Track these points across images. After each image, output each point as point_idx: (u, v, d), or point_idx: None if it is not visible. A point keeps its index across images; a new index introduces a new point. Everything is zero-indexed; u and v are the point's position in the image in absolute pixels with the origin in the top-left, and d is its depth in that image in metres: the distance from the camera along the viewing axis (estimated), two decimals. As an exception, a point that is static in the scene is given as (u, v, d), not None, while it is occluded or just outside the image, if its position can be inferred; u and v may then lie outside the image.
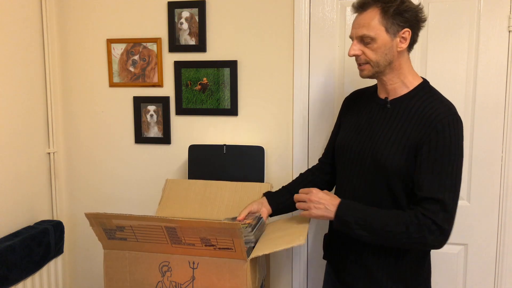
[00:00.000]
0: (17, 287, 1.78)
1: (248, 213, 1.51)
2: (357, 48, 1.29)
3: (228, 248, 1.31)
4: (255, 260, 1.35)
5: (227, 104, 2.02)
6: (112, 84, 2.12)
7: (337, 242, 1.46)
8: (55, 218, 2.18)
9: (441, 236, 1.21)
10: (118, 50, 2.09)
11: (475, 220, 1.86)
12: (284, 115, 1.98)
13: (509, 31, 1.75)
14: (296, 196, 1.40)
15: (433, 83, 1.82)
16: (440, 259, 1.90)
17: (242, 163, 1.94)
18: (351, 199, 1.35)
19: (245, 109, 2.02)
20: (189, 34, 2.01)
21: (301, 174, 1.67)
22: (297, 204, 1.38)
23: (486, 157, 1.82)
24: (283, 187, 1.62)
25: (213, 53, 2.02)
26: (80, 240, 2.25)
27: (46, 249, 1.93)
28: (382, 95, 1.38)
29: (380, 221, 1.24)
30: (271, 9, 1.94)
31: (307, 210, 1.33)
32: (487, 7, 1.76)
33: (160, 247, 1.34)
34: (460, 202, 1.86)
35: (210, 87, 2.02)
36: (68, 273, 2.28)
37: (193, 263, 1.30)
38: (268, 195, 1.58)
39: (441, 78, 1.82)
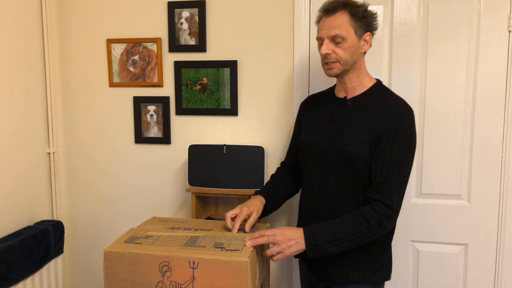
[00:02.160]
0: (17, 287, 1.79)
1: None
2: (329, 48, 1.39)
3: (236, 250, 1.32)
4: (255, 260, 1.35)
5: (227, 104, 2.02)
6: (112, 84, 2.13)
7: None
8: (55, 218, 2.18)
9: (393, 216, 1.33)
10: (118, 50, 2.09)
11: (475, 220, 1.86)
12: (284, 115, 1.99)
13: (509, 31, 1.75)
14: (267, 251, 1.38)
15: (433, 83, 1.83)
16: (440, 259, 1.90)
17: (242, 163, 1.94)
18: (321, 194, 1.45)
19: (245, 109, 2.02)
20: (189, 34, 2.01)
21: (272, 177, 1.68)
22: (269, 251, 1.34)
23: (486, 157, 1.82)
24: (264, 191, 1.60)
25: (213, 53, 2.02)
26: (80, 240, 2.26)
27: (46, 249, 1.93)
28: (341, 95, 1.49)
29: (346, 230, 1.31)
30: (271, 9, 1.94)
31: (280, 252, 1.33)
32: (487, 7, 1.76)
33: (166, 249, 1.35)
34: (460, 202, 1.87)
35: (210, 87, 2.03)
36: (68, 273, 2.28)
37: (193, 263, 1.30)
38: (265, 195, 1.58)
39: (441, 78, 1.82)
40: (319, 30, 1.42)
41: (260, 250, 1.44)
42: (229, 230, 1.45)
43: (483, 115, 1.81)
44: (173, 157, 2.11)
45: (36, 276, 1.90)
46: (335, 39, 1.38)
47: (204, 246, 1.36)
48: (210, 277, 1.29)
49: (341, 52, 1.38)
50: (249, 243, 1.32)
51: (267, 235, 1.33)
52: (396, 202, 1.32)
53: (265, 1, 1.94)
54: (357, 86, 1.45)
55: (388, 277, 1.48)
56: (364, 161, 1.36)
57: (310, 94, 1.68)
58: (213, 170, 1.95)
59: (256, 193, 1.59)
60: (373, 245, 1.42)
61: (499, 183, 1.83)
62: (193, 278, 1.31)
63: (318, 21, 1.45)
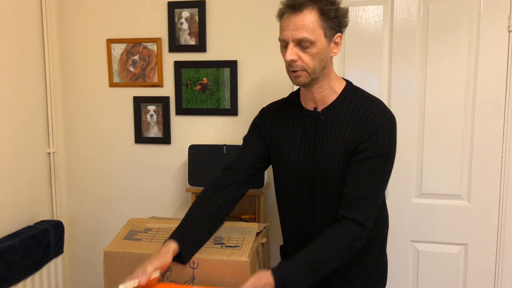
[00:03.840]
0: (17, 287, 1.79)
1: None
2: (294, 53, 1.16)
3: (236, 246, 1.32)
4: (255, 260, 1.35)
5: (227, 104, 2.02)
6: (112, 84, 2.13)
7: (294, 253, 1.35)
8: (55, 218, 2.18)
9: (365, 236, 1.21)
10: (118, 50, 2.09)
11: (475, 220, 1.86)
12: (284, 115, 1.98)
13: (509, 31, 1.75)
14: None
15: (433, 83, 1.83)
16: (440, 259, 1.90)
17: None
18: (305, 210, 1.31)
19: (245, 109, 2.02)
20: (189, 34, 2.01)
21: (201, 199, 1.33)
22: None
23: (486, 157, 1.82)
24: (185, 222, 1.30)
25: (213, 53, 2.02)
26: (80, 240, 2.26)
27: (46, 249, 1.93)
28: (309, 106, 1.29)
29: (315, 260, 1.17)
30: (271, 9, 1.94)
31: None
32: (487, 7, 1.76)
33: None
34: (460, 202, 1.87)
35: (210, 87, 2.03)
36: (68, 273, 2.28)
37: (193, 263, 1.30)
38: (180, 240, 1.25)
39: (441, 78, 1.82)
40: (282, 30, 1.18)
41: (260, 250, 1.44)
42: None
43: (483, 115, 1.81)
44: (173, 157, 2.11)
45: (36, 276, 1.90)
46: (301, 43, 1.15)
47: (204, 246, 1.36)
48: (210, 277, 1.29)
49: (308, 59, 1.17)
50: None
51: None
52: (369, 219, 1.20)
53: (265, 1, 1.94)
54: (328, 94, 1.25)
55: (385, 283, 1.44)
56: (343, 174, 1.23)
57: (264, 106, 1.43)
58: (213, 170, 1.95)
59: (170, 237, 1.26)
60: (372, 254, 1.35)
61: (499, 183, 1.83)
62: (193, 278, 1.31)
63: (281, 16, 1.21)
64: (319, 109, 1.27)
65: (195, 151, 1.98)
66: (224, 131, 2.04)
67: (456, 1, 1.78)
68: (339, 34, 1.20)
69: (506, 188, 1.82)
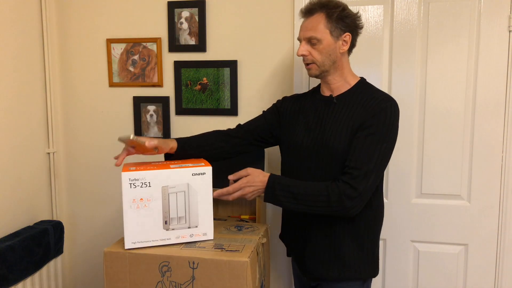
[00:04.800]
0: (17, 287, 1.78)
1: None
2: (305, 49, 1.42)
3: (236, 251, 1.32)
4: (255, 260, 1.35)
5: (227, 104, 2.02)
6: (112, 84, 2.12)
7: (293, 233, 1.54)
8: (55, 218, 2.18)
9: (356, 199, 1.31)
10: (118, 50, 2.09)
11: (475, 220, 1.86)
12: (284, 115, 1.98)
13: (509, 31, 1.75)
14: (233, 183, 1.40)
15: (433, 83, 1.83)
16: (440, 259, 1.90)
17: (242, 163, 1.93)
18: None
19: (245, 109, 2.02)
20: (189, 34, 2.01)
21: (216, 133, 1.61)
22: (230, 188, 1.37)
23: (486, 157, 1.82)
24: (194, 138, 1.59)
25: (213, 53, 2.02)
26: (80, 240, 2.25)
27: (46, 249, 1.93)
28: (326, 93, 1.50)
29: (305, 192, 1.33)
30: (271, 9, 1.94)
31: (240, 189, 1.37)
32: (487, 7, 1.76)
33: (166, 249, 1.35)
34: (460, 202, 1.87)
35: (210, 87, 2.02)
36: (68, 273, 2.28)
37: (193, 263, 1.30)
38: (180, 141, 1.56)
39: (441, 78, 1.82)
40: (299, 32, 1.45)
41: (260, 250, 1.44)
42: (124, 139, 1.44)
43: (483, 115, 1.81)
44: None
45: (36, 276, 1.90)
46: (310, 41, 1.40)
47: (204, 247, 1.36)
48: (210, 277, 1.29)
49: (316, 54, 1.41)
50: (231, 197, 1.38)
51: (241, 173, 1.39)
52: (363, 186, 1.30)
53: (265, 1, 1.94)
54: (341, 85, 1.46)
55: (376, 273, 1.49)
56: (347, 153, 1.37)
57: (293, 94, 1.64)
58: (213, 170, 1.95)
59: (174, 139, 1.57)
60: (364, 241, 1.44)
61: (499, 183, 1.82)
62: (193, 278, 1.31)
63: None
64: (334, 95, 1.47)
65: (195, 151, 1.98)
66: (224, 131, 2.04)
67: (456, 1, 1.78)
68: (347, 33, 1.41)
69: (506, 188, 1.82)
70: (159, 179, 1.36)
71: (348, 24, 1.40)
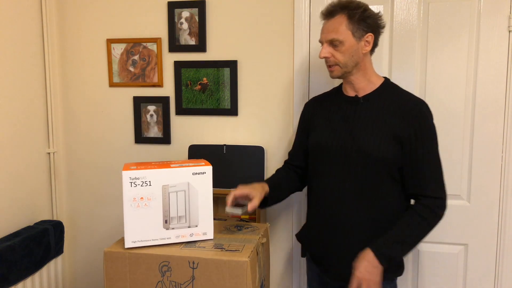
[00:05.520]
0: (17, 287, 1.79)
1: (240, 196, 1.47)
2: (327, 51, 1.42)
3: (236, 250, 1.32)
4: (255, 260, 1.35)
5: (227, 104, 2.02)
6: (112, 84, 2.13)
7: (317, 236, 1.53)
8: (55, 218, 2.18)
9: (444, 204, 1.41)
10: (118, 50, 2.09)
11: (475, 220, 1.86)
12: (284, 115, 1.98)
13: (509, 31, 1.75)
14: None
15: (433, 83, 1.83)
16: (440, 259, 1.90)
17: (242, 163, 1.94)
18: (337, 194, 1.44)
19: (245, 109, 2.02)
20: (189, 34, 2.01)
21: (278, 171, 1.67)
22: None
23: (486, 157, 1.82)
24: (268, 181, 1.58)
25: (213, 53, 2.02)
26: (80, 240, 2.26)
27: (46, 249, 1.93)
28: (350, 94, 1.48)
29: (409, 234, 1.36)
30: (271, 9, 1.94)
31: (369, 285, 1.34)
32: (487, 7, 1.76)
33: (166, 249, 1.35)
34: (460, 202, 1.87)
35: (210, 87, 2.03)
36: (68, 273, 2.28)
37: (193, 263, 1.30)
38: (269, 184, 1.56)
39: (441, 78, 1.82)
40: (320, 34, 1.45)
41: (260, 250, 1.44)
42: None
43: (483, 115, 1.81)
44: (173, 157, 2.11)
45: (36, 276, 1.90)
46: (333, 43, 1.40)
47: (204, 247, 1.36)
48: (210, 277, 1.29)
49: (339, 55, 1.40)
50: None
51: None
52: (443, 190, 1.39)
53: (265, 1, 1.94)
54: (366, 85, 1.46)
55: (401, 272, 1.49)
56: (384, 159, 1.37)
57: (313, 96, 1.65)
58: (213, 170, 1.95)
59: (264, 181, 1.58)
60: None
61: (499, 183, 1.82)
62: (193, 278, 1.31)
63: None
64: (360, 95, 1.46)
65: (195, 151, 1.98)
66: (224, 131, 2.04)
67: (456, 1, 1.78)
68: (369, 34, 1.40)
69: (506, 188, 1.82)
70: (160, 178, 1.36)
71: (370, 24, 1.40)
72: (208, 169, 1.40)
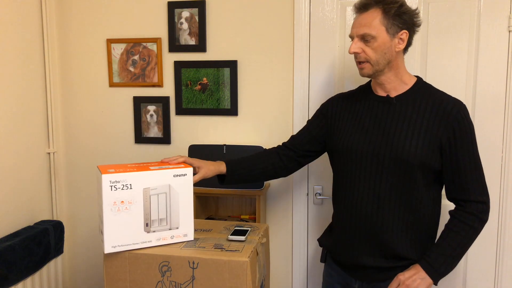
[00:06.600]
0: (17, 287, 1.79)
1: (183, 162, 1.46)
2: (358, 46, 1.33)
3: (236, 250, 1.32)
4: (255, 260, 1.35)
5: (227, 104, 2.02)
6: (112, 84, 2.13)
7: (350, 246, 1.43)
8: (55, 218, 2.18)
9: (487, 208, 1.34)
10: (118, 50, 2.09)
11: (475, 220, 1.86)
12: (284, 115, 1.98)
13: (509, 31, 1.75)
14: None
15: (433, 82, 1.83)
16: (440, 259, 1.90)
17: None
18: (369, 198, 1.36)
19: (245, 109, 2.02)
20: (189, 34, 2.01)
21: (266, 152, 1.58)
22: None
23: (486, 157, 1.82)
24: (231, 160, 1.55)
25: (213, 53, 2.02)
26: (80, 240, 2.26)
27: (46, 249, 1.93)
28: (380, 94, 1.40)
29: (458, 245, 1.32)
30: (271, 9, 1.94)
31: None
32: (487, 7, 1.76)
33: (166, 249, 1.35)
34: (460, 202, 1.86)
35: (210, 87, 2.03)
36: (68, 273, 2.28)
37: (193, 263, 1.30)
38: (228, 161, 1.53)
39: (441, 78, 1.82)
40: (351, 28, 1.36)
41: (260, 250, 1.44)
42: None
43: (483, 115, 1.81)
44: (173, 157, 2.11)
45: (36, 276, 1.90)
46: (364, 38, 1.31)
47: (204, 247, 1.36)
48: (210, 277, 1.29)
49: (370, 52, 1.32)
50: None
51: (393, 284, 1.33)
52: (486, 195, 1.33)
53: (265, 1, 1.94)
54: (398, 85, 1.37)
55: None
56: (422, 164, 1.30)
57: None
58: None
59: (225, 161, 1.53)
60: (422, 245, 1.40)
61: (499, 183, 1.82)
62: (193, 278, 1.31)
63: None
64: (392, 95, 1.38)
65: (195, 151, 1.98)
66: (224, 131, 2.04)
67: (456, 1, 1.78)
68: (404, 31, 1.32)
69: (506, 188, 1.82)
70: (141, 180, 1.33)
71: (405, 21, 1.31)
72: (189, 170, 1.39)
